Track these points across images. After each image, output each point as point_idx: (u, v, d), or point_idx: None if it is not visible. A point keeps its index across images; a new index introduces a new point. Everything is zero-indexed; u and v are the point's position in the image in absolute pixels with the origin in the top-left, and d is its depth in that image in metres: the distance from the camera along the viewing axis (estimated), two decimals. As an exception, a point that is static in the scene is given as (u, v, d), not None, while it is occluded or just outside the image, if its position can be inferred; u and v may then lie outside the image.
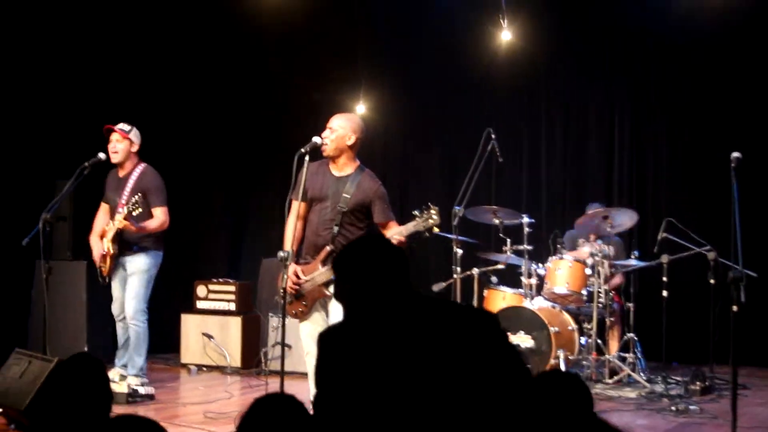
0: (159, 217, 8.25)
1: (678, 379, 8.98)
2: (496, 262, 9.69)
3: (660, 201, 10.87)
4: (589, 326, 9.22)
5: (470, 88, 11.68)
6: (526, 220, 9.40)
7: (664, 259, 8.89)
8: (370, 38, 11.81)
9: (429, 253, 11.29)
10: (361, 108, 11.40)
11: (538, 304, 9.21)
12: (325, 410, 3.46)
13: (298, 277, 6.43)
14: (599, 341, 9.14)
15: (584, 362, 9.13)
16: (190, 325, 10.19)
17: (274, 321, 9.71)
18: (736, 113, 10.43)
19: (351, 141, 6.53)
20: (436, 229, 6.29)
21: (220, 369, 9.91)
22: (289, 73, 12.00)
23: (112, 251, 8.19)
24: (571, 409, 3.38)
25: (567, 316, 9.20)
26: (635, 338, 9.18)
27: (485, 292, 9.69)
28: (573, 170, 11.34)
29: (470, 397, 3.34)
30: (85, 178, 8.10)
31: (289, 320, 6.41)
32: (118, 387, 7.93)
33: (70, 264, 9.42)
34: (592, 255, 9.34)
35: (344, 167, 6.56)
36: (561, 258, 9.31)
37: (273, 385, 6.69)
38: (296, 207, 6.56)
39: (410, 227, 6.26)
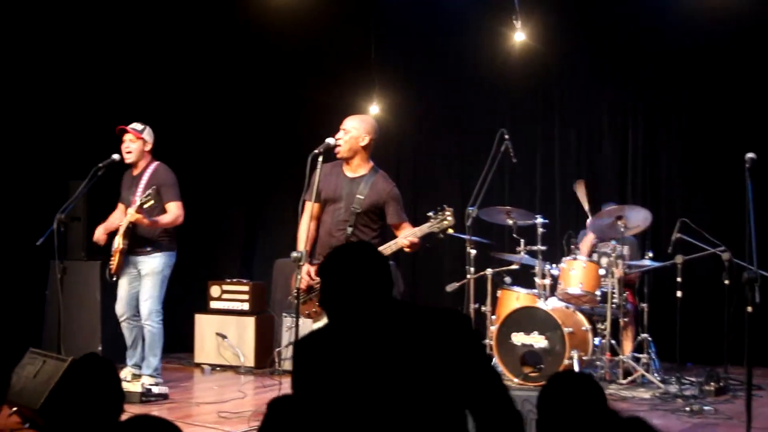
0: (173, 211, 8.25)
1: (692, 379, 8.94)
2: (510, 263, 9.69)
3: (674, 201, 10.84)
4: (603, 326, 9.20)
5: (484, 89, 11.67)
6: (539, 220, 9.39)
7: (679, 259, 8.86)
8: (383, 39, 11.79)
9: (443, 253, 11.29)
10: (375, 109, 11.39)
11: (551, 305, 9.19)
12: (302, 414, 3.49)
13: (311, 277, 6.43)
14: (613, 342, 9.12)
15: (598, 363, 9.11)
16: (203, 325, 10.21)
17: (287, 321, 9.72)
18: (751, 113, 10.39)
19: (364, 142, 6.53)
20: (450, 231, 6.29)
21: (233, 369, 9.93)
22: (303, 74, 12.00)
23: (122, 246, 8.19)
24: (584, 410, 3.38)
25: (581, 317, 9.19)
26: (649, 339, 9.16)
27: (499, 293, 9.69)
28: (586, 170, 11.32)
29: (442, 397, 3.39)
30: (99, 179, 8.13)
31: (302, 320, 6.41)
32: (132, 386, 7.95)
33: (85, 264, 9.44)
34: (605, 254, 9.34)
35: (358, 168, 6.56)
36: (575, 258, 9.29)
37: (286, 384, 6.68)
38: (309, 208, 6.57)
39: (424, 228, 6.26)
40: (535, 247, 9.34)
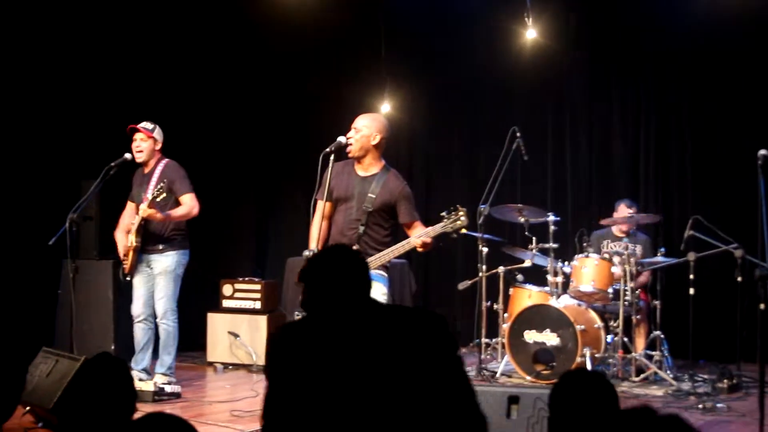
0: (187, 203, 8.24)
1: (705, 376, 8.94)
2: (522, 260, 9.69)
3: (686, 198, 10.81)
4: (615, 324, 9.19)
5: (495, 87, 11.67)
6: (551, 218, 9.39)
7: (691, 256, 8.83)
8: (394, 37, 11.79)
9: (455, 251, 11.30)
10: (386, 107, 11.41)
11: (564, 302, 9.19)
12: (275, 406, 3.60)
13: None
14: (626, 339, 9.11)
15: (610, 360, 9.11)
16: (216, 323, 10.22)
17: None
18: (764, 110, 10.36)
19: (376, 141, 6.53)
20: (463, 231, 6.28)
21: (246, 367, 9.93)
22: (315, 72, 12.03)
23: (135, 243, 8.19)
24: (596, 409, 3.38)
25: (593, 314, 9.18)
26: (662, 336, 9.16)
27: (511, 290, 9.70)
28: (598, 167, 11.32)
29: (411, 395, 3.45)
30: (111, 179, 8.16)
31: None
32: (145, 385, 7.95)
33: (97, 263, 9.44)
34: (618, 254, 9.33)
35: (369, 167, 6.56)
36: (587, 256, 9.28)
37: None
38: (321, 207, 6.57)
39: (438, 228, 6.25)
40: (547, 245, 9.34)
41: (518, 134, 9.33)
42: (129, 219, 8.42)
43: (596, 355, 8.90)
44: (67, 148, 9.98)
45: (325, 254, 3.78)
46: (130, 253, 8.23)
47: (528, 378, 8.87)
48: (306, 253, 6.30)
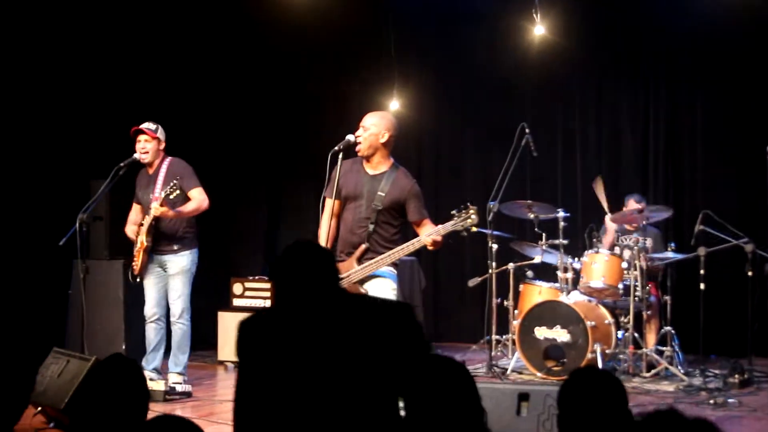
0: (196, 198, 8.23)
1: (716, 372, 8.92)
2: (532, 257, 9.69)
3: (696, 193, 10.80)
4: (626, 320, 9.18)
5: (503, 83, 11.66)
6: (561, 214, 9.38)
7: (702, 251, 8.82)
8: (403, 35, 11.78)
9: (464, 248, 11.29)
10: (395, 105, 11.41)
11: (574, 299, 9.19)
12: (245, 397, 3.72)
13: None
14: (636, 335, 9.10)
15: (621, 356, 9.09)
16: (226, 322, 10.22)
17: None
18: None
19: (384, 139, 6.52)
20: (474, 229, 6.27)
21: (256, 366, 9.91)
22: (324, 70, 12.02)
23: (146, 244, 8.19)
24: (604, 407, 3.38)
25: (603, 310, 9.18)
26: (673, 331, 9.15)
27: (521, 287, 9.71)
28: (608, 162, 11.30)
29: (378, 381, 3.55)
30: (120, 179, 8.18)
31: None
32: (156, 385, 7.97)
33: (107, 263, 9.45)
34: (628, 247, 9.33)
35: (378, 165, 6.55)
36: (597, 252, 9.27)
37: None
38: (330, 205, 6.57)
39: (448, 227, 6.24)
40: (557, 241, 9.33)
41: (527, 130, 9.32)
42: (137, 217, 8.42)
43: (607, 351, 8.89)
44: (76, 148, 10.00)
45: (290, 250, 3.82)
46: (140, 254, 8.21)
47: (539, 374, 8.87)
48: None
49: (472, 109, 11.99)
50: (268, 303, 10.18)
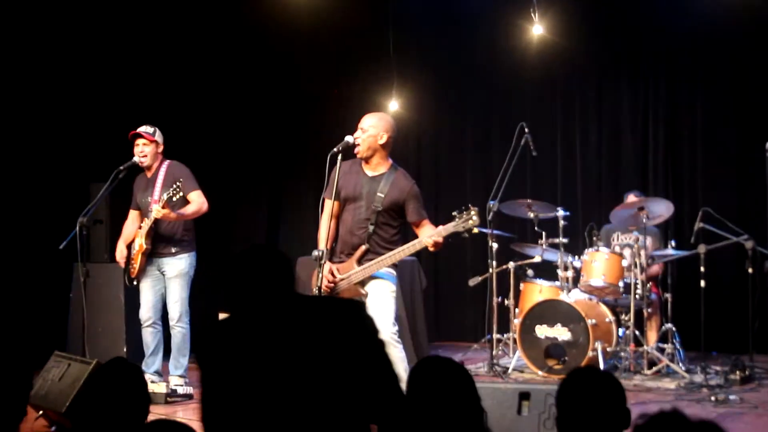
0: (196, 200, 8.21)
1: (717, 368, 8.92)
2: (532, 256, 9.69)
3: (696, 191, 10.79)
4: (626, 317, 9.18)
5: (503, 83, 11.67)
6: (561, 213, 9.38)
7: (702, 249, 8.82)
8: (402, 35, 11.78)
9: (465, 247, 11.30)
10: (394, 105, 11.41)
11: (574, 297, 9.19)
12: (209, 404, 3.71)
13: (333, 275, 6.43)
14: (637, 332, 9.11)
15: (622, 354, 9.09)
16: (227, 324, 10.20)
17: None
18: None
19: (383, 140, 6.51)
20: (475, 230, 6.27)
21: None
22: (323, 70, 12.02)
23: (145, 247, 8.18)
24: (602, 407, 3.39)
25: (604, 308, 9.18)
26: (673, 329, 9.14)
27: (521, 286, 9.71)
28: (608, 161, 11.30)
29: (337, 382, 3.54)
30: (120, 182, 8.17)
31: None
32: (157, 387, 7.96)
33: (108, 266, 9.44)
34: (628, 246, 9.33)
35: (377, 167, 6.55)
36: (597, 250, 9.27)
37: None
38: (330, 206, 6.57)
39: (449, 228, 6.24)
40: (557, 240, 9.34)
41: (527, 130, 9.32)
42: (133, 227, 8.40)
43: (608, 349, 8.90)
44: (75, 152, 10.00)
45: (244, 255, 3.87)
46: (139, 257, 8.20)
47: (540, 373, 8.88)
48: (315, 252, 6.31)
49: (471, 109, 12.00)
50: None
